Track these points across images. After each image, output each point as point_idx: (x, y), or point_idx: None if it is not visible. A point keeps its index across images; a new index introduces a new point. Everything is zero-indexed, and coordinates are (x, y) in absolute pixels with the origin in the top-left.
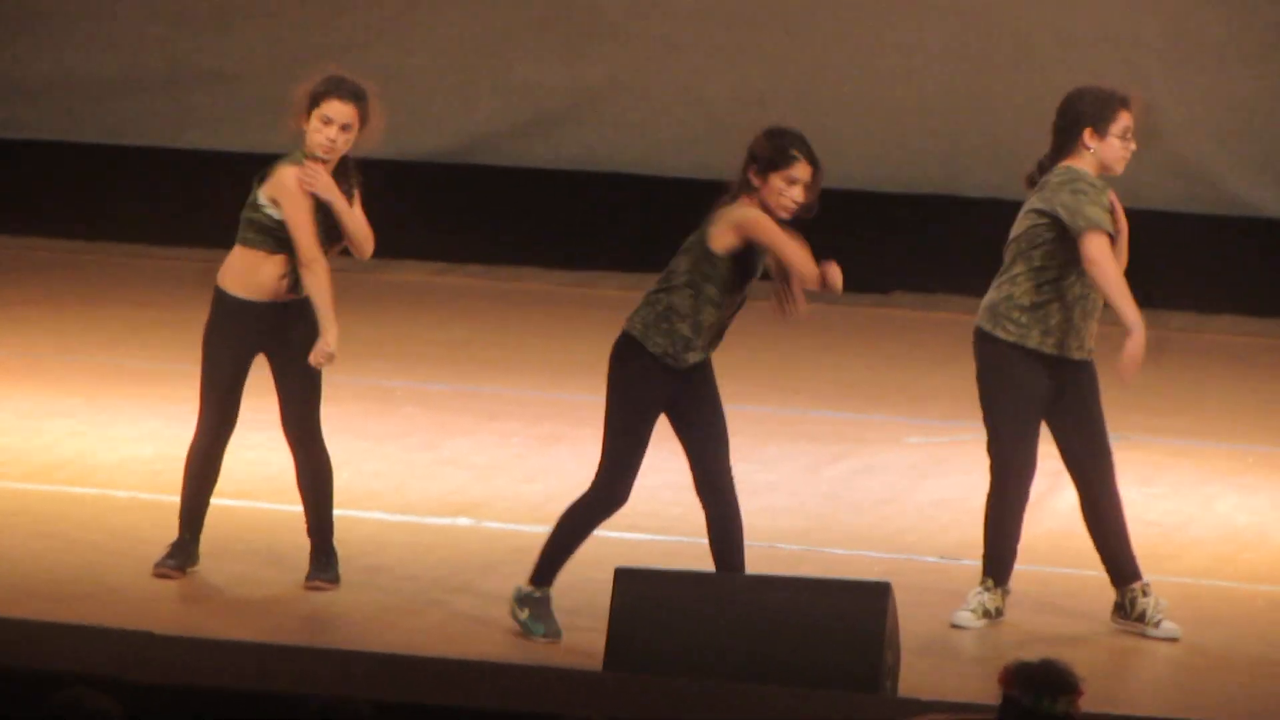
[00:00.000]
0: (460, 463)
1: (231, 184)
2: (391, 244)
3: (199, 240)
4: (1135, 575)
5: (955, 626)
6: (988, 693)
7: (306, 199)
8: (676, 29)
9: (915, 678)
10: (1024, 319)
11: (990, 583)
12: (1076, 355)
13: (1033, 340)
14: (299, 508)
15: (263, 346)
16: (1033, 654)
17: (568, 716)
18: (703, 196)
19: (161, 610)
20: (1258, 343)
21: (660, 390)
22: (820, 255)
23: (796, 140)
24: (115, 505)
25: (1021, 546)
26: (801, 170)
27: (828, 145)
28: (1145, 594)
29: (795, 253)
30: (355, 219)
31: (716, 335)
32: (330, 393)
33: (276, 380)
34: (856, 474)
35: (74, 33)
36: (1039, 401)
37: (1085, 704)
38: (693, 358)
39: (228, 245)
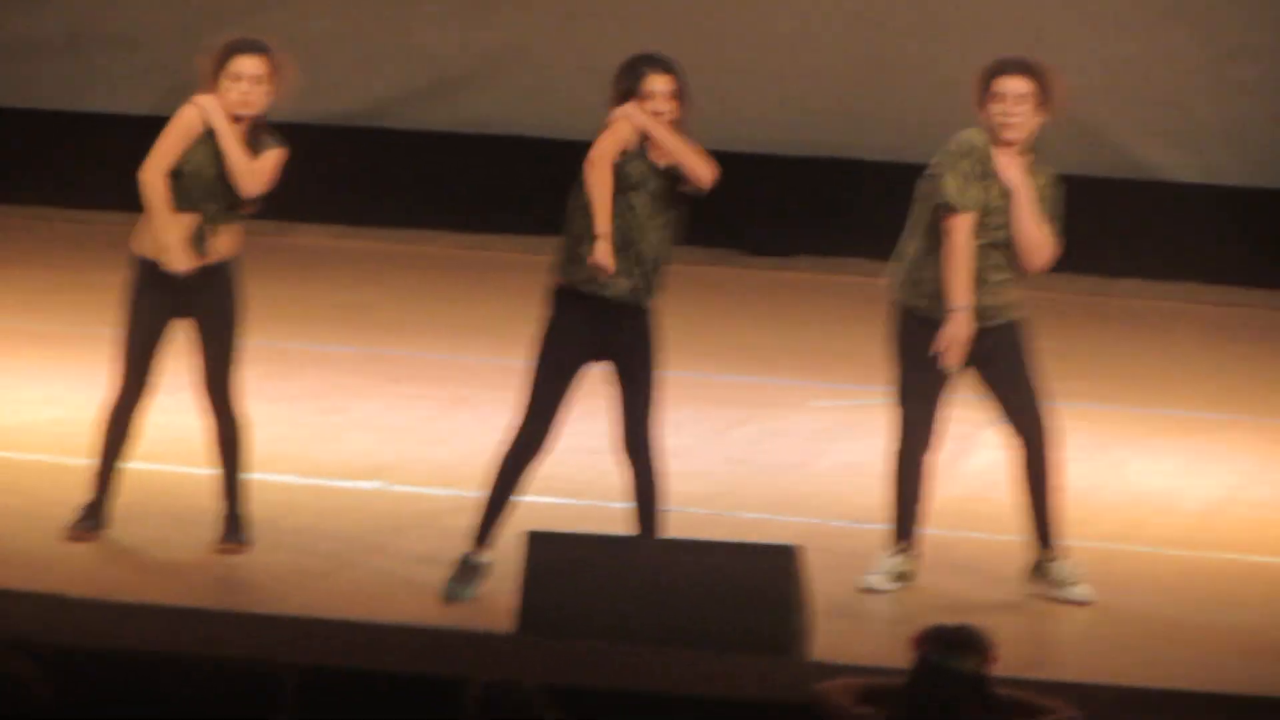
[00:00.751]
0: (367, 426)
1: (133, 147)
2: (292, 207)
3: (102, 204)
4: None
5: (866, 590)
6: (900, 657)
7: (179, 129)
8: None
9: (827, 641)
10: (909, 280)
11: (905, 544)
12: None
13: (909, 297)
14: (211, 470)
15: (180, 311)
16: (945, 619)
17: (479, 679)
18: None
19: (75, 573)
20: (1162, 306)
21: (577, 323)
22: (724, 217)
23: (644, 58)
24: (23, 468)
25: (933, 510)
26: (655, 82)
27: (727, 110)
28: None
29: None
30: (238, 154)
31: (630, 255)
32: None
33: (195, 344)
34: (764, 438)
35: None
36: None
37: (999, 668)
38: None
39: (130, 208)
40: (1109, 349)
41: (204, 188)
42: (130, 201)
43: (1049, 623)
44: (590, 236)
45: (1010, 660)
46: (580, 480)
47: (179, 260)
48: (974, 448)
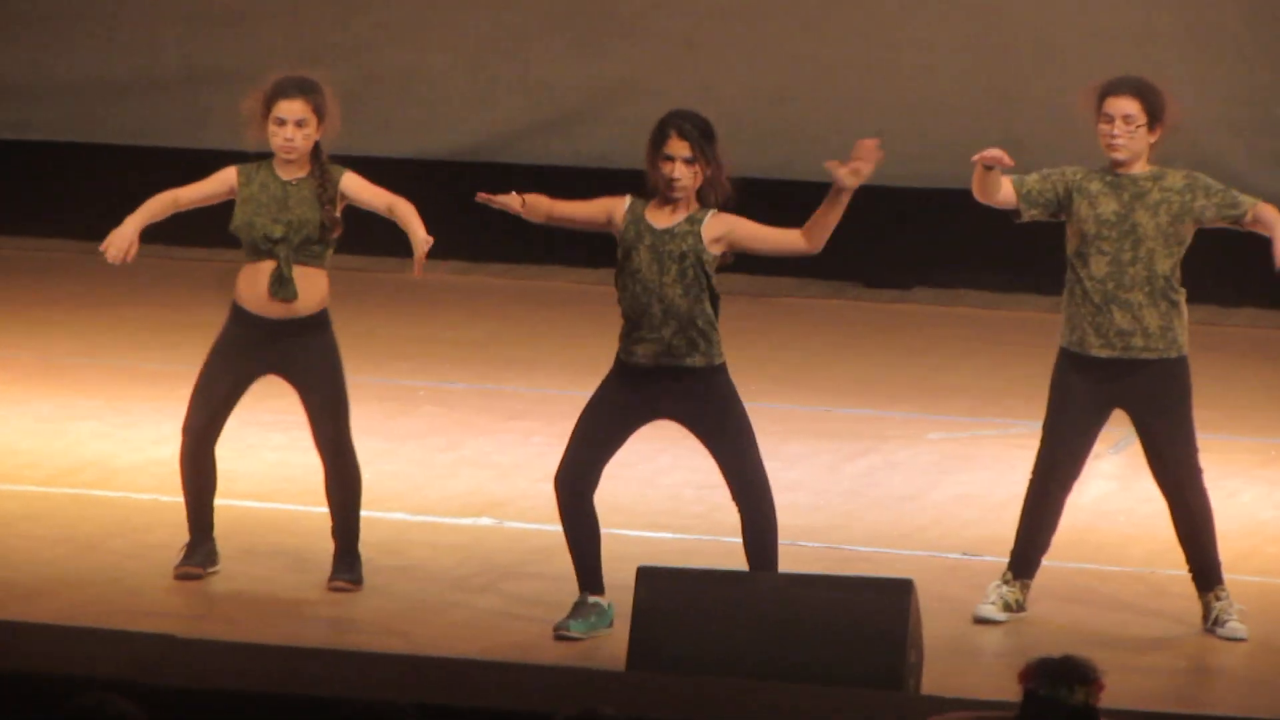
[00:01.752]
0: (481, 462)
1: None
2: (411, 243)
3: (218, 242)
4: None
5: (979, 620)
6: (1010, 690)
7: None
8: (693, 26)
9: (938, 676)
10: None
11: (1009, 575)
12: (1102, 353)
13: (1061, 337)
14: (322, 509)
15: (276, 370)
16: (1055, 651)
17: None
18: None
19: (183, 613)
20: (1278, 335)
21: (610, 387)
22: (842, 250)
23: (673, 117)
24: (137, 508)
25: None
26: (673, 146)
27: (846, 141)
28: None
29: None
30: (412, 217)
31: (645, 321)
32: (351, 393)
33: (301, 398)
34: (878, 471)
35: (88, 34)
36: (1079, 403)
37: (1107, 699)
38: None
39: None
40: (1224, 378)
41: (265, 234)
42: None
43: (1161, 654)
44: (622, 310)
45: (1118, 691)
46: (689, 515)
47: (260, 303)
48: (1088, 478)
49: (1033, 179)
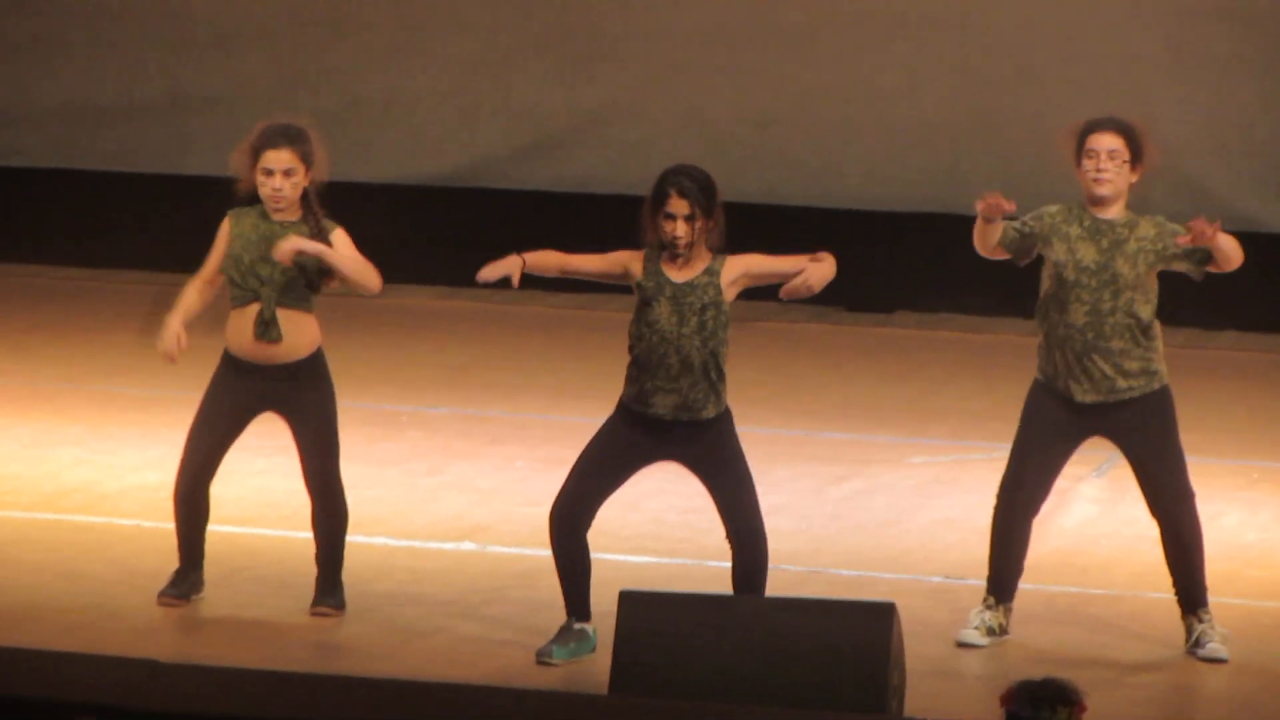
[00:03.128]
0: (464, 487)
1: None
2: (394, 268)
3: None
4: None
5: (962, 645)
6: (992, 712)
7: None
8: (677, 50)
9: (921, 698)
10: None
11: (990, 600)
12: (1085, 398)
13: (1039, 370)
14: (306, 534)
15: (270, 407)
16: (1037, 673)
17: None
18: None
19: (166, 638)
20: (1261, 358)
21: (620, 427)
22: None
23: (672, 174)
24: (120, 533)
25: (1028, 564)
26: (674, 205)
27: (830, 165)
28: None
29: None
30: (345, 260)
31: (662, 373)
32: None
33: (293, 434)
34: (861, 495)
35: (73, 60)
36: (1051, 428)
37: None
38: (652, 403)
39: None
40: (1207, 401)
41: (252, 276)
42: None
43: (1144, 676)
44: (635, 357)
45: (1101, 713)
46: (673, 539)
47: (247, 349)
48: (1071, 501)
49: (1013, 230)
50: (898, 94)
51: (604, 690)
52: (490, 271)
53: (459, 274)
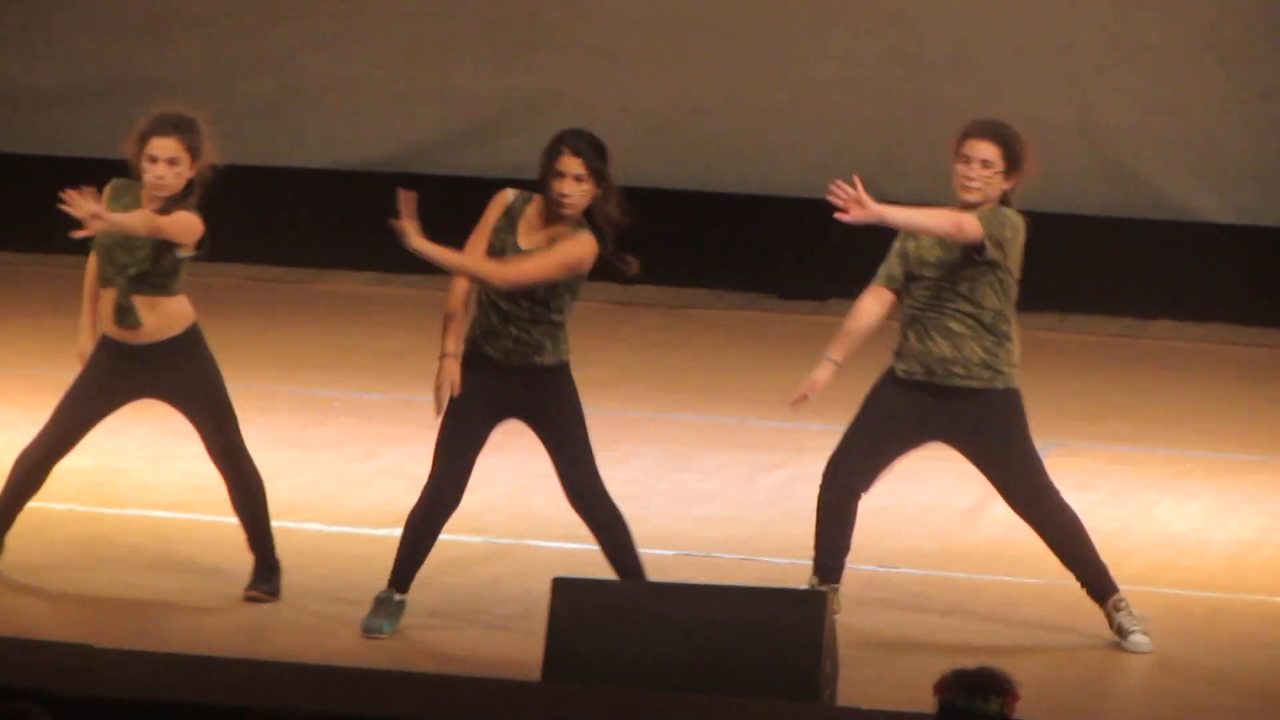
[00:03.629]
0: (397, 472)
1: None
2: (328, 254)
3: None
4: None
5: None
6: (926, 702)
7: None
8: (612, 38)
9: (853, 686)
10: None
11: (817, 581)
12: (916, 376)
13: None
14: (231, 519)
15: (152, 394)
16: (971, 663)
17: None
18: (639, 205)
19: (101, 622)
20: (1195, 348)
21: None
22: (758, 261)
23: (567, 134)
24: (52, 518)
25: (960, 553)
26: (565, 163)
27: (765, 153)
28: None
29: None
30: (133, 221)
31: (488, 325)
32: (266, 403)
33: (186, 417)
34: (794, 482)
35: (8, 44)
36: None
37: (1022, 711)
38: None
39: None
40: (1140, 390)
41: (110, 262)
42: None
43: (1073, 666)
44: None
45: (1032, 704)
46: None
47: (112, 330)
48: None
49: (883, 266)
50: (833, 82)
51: (537, 676)
52: (444, 395)
53: (393, 260)
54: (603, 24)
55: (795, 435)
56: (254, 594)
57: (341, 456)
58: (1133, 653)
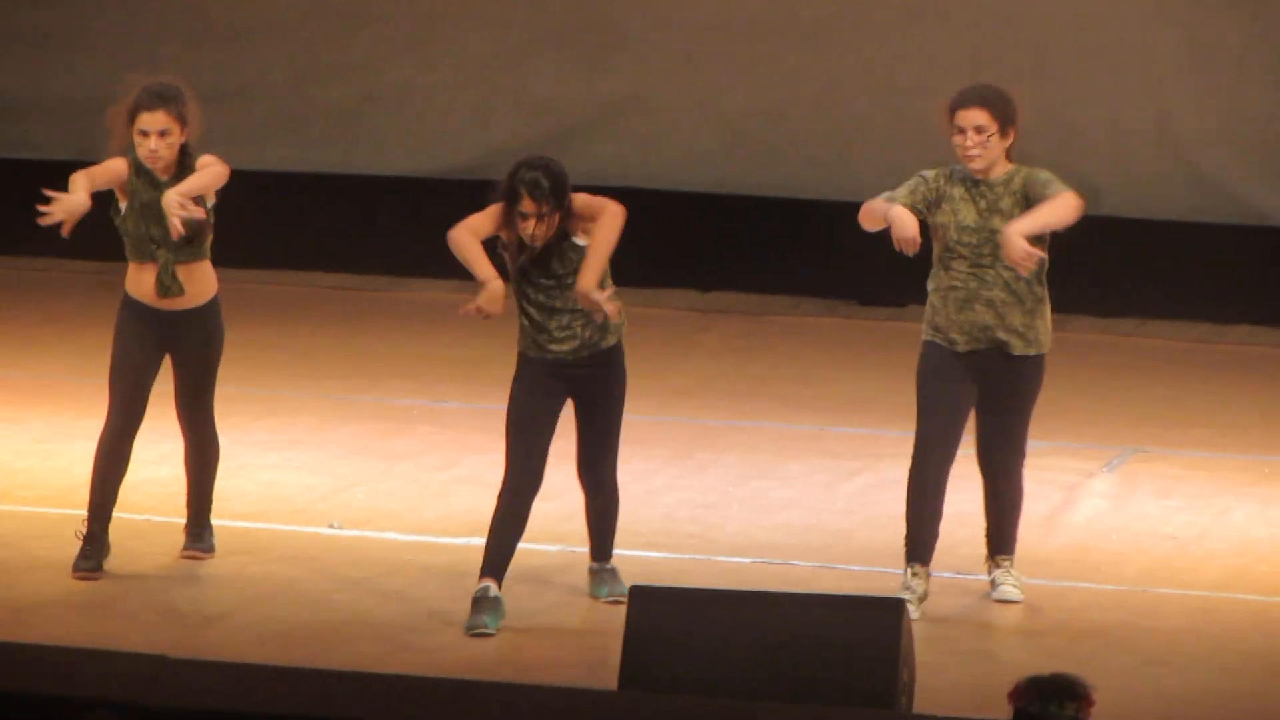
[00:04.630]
0: (476, 481)
1: (254, 201)
2: (410, 262)
3: (225, 261)
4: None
5: None
6: (1001, 709)
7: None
8: (694, 42)
9: (930, 694)
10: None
11: (917, 566)
12: (964, 347)
13: (925, 334)
14: (313, 528)
15: (165, 348)
16: (1046, 669)
17: None
18: (720, 211)
19: (176, 633)
20: (1274, 352)
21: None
22: (837, 267)
23: (523, 171)
24: (133, 529)
25: (1039, 559)
26: (525, 205)
27: (845, 158)
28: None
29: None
30: (202, 182)
31: (544, 325)
32: (347, 412)
33: (175, 372)
34: (873, 489)
35: (88, 51)
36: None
37: (1097, 717)
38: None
39: (257, 264)
40: (1219, 396)
41: (147, 239)
42: (253, 257)
43: (1152, 671)
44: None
45: (1110, 711)
46: (684, 535)
47: (150, 299)
48: (1081, 497)
49: (903, 195)
50: (913, 87)
51: (614, 686)
52: (496, 307)
53: None
54: (683, 28)
55: (875, 442)
56: (192, 553)
57: (420, 466)
58: (1001, 601)
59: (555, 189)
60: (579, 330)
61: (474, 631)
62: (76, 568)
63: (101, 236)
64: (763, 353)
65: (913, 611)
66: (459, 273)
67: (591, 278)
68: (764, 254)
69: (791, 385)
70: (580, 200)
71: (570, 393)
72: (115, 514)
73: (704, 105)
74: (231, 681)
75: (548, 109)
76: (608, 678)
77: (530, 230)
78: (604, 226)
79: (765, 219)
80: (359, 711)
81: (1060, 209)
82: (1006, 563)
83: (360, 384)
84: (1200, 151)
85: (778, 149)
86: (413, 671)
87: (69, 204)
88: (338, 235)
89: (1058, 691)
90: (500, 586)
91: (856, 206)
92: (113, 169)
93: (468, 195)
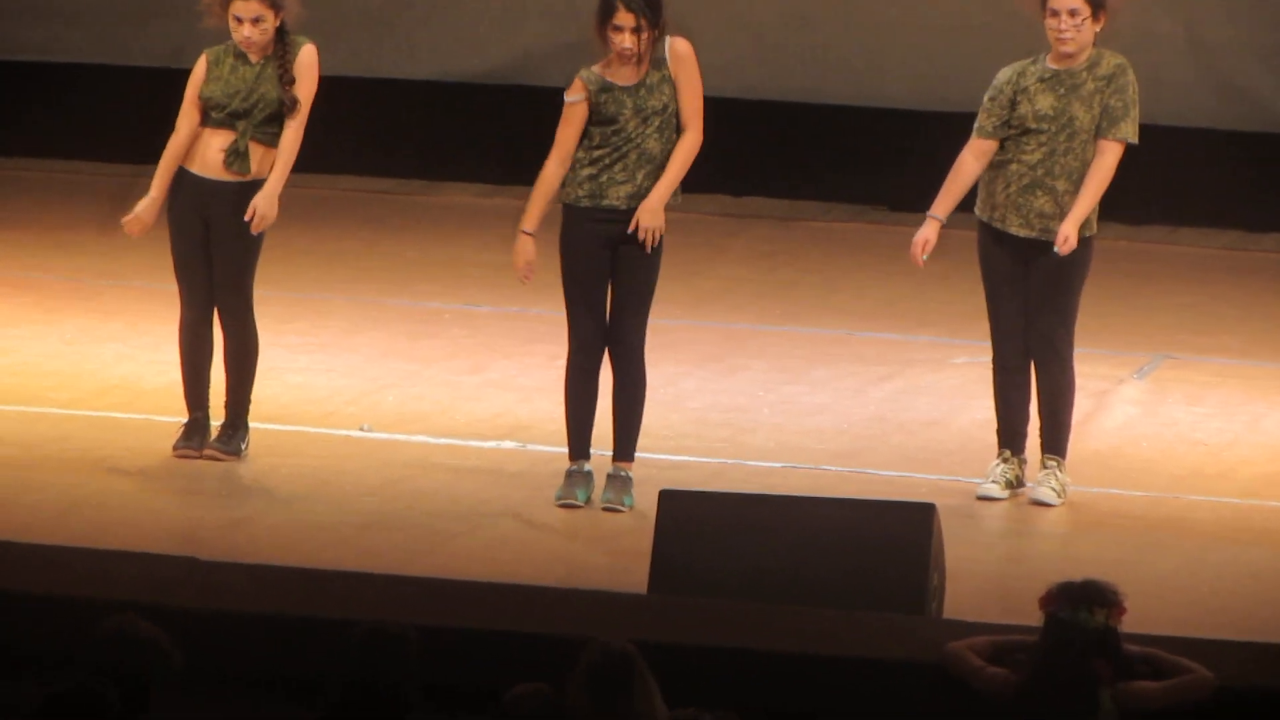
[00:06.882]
0: (506, 385)
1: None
2: (439, 166)
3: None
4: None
5: (981, 498)
6: (1032, 614)
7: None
8: None
9: (960, 599)
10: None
11: (1006, 453)
12: (1019, 233)
13: (980, 211)
14: (344, 431)
15: (206, 220)
16: (1077, 576)
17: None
18: (751, 117)
19: (206, 535)
20: None
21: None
22: (867, 173)
23: None
24: (162, 431)
25: (1069, 467)
26: (620, 18)
27: (874, 64)
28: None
29: None
30: (287, 158)
31: (610, 167)
32: (377, 315)
33: (213, 251)
34: (903, 395)
35: None
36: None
37: (1128, 623)
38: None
39: (299, 168)
40: (1249, 304)
41: (225, 111)
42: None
43: (1183, 577)
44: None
45: (1141, 617)
46: (714, 439)
47: (211, 168)
48: (1112, 403)
49: (985, 119)
50: None
51: (643, 589)
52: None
53: (502, 172)
54: None
55: (904, 348)
56: (213, 452)
57: (451, 369)
58: (1035, 503)
59: (650, 1)
60: (640, 179)
61: (562, 502)
62: (176, 446)
63: (131, 139)
64: (791, 258)
65: (998, 493)
66: (489, 176)
67: (665, 192)
68: (793, 160)
69: (821, 291)
70: (682, 46)
71: (614, 246)
72: (150, 417)
73: (731, 12)
74: (260, 584)
75: (577, 14)
76: (637, 582)
77: (625, 43)
78: (686, 149)
79: (793, 125)
80: (389, 613)
81: (1104, 183)
82: (1053, 464)
83: (390, 288)
84: (1229, 60)
85: (808, 55)
86: (442, 574)
87: (145, 220)
88: (367, 139)
89: (1089, 598)
90: (589, 460)
91: (886, 112)
92: (192, 93)
93: (497, 100)
